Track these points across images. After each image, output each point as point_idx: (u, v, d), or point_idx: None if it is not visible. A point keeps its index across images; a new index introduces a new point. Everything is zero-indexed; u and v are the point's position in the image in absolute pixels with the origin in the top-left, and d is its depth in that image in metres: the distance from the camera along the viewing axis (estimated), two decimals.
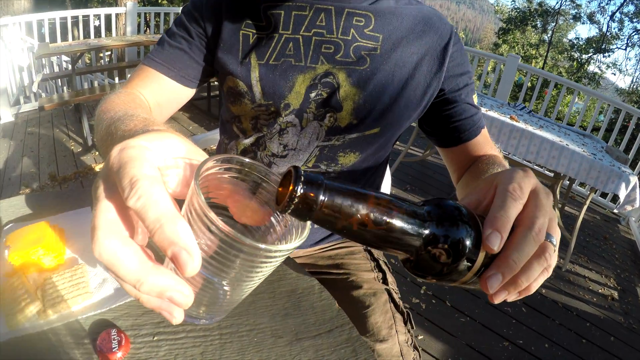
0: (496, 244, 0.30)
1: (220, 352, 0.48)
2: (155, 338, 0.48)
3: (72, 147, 3.29)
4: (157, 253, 0.27)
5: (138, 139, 0.28)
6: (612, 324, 2.07)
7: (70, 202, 0.71)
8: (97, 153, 3.18)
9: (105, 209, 0.25)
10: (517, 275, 0.32)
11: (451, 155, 0.75)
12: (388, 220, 0.29)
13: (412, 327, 0.76)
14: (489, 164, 0.66)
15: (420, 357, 0.73)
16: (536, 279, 0.33)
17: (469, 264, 0.31)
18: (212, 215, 0.24)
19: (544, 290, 2.18)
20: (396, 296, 0.78)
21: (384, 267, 0.84)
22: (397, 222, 0.29)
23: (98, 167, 2.97)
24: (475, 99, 0.73)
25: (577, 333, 1.94)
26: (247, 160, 0.31)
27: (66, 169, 2.97)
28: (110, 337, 0.47)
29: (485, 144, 0.72)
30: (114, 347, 0.46)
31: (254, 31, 0.66)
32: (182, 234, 0.23)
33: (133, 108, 0.50)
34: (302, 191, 0.26)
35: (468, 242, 0.31)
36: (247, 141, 0.73)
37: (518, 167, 0.38)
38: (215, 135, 1.75)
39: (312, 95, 0.65)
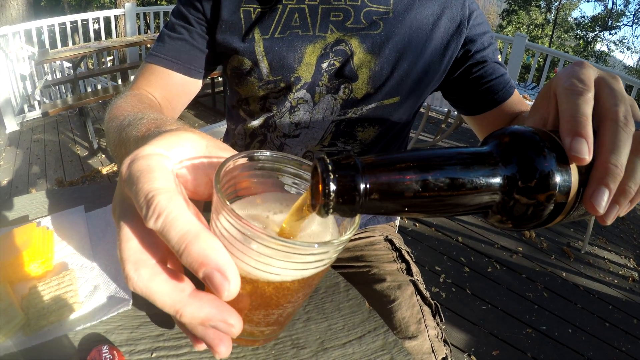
0: (584, 150, 0.25)
1: None
2: (154, 355, 0.40)
3: (78, 152, 3.27)
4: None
5: (150, 146, 0.25)
6: (635, 306, 2.01)
7: (64, 202, 0.64)
8: (103, 156, 3.15)
9: (128, 237, 0.23)
10: (623, 182, 0.26)
11: (485, 122, 0.69)
12: (451, 181, 0.23)
13: (442, 320, 0.69)
14: None
15: (451, 352, 0.67)
16: None
17: (563, 191, 0.25)
18: (243, 221, 0.21)
19: (564, 274, 2.13)
20: (422, 287, 0.72)
21: (407, 257, 0.78)
22: (463, 180, 0.23)
23: (105, 170, 2.94)
24: (500, 59, 0.68)
25: (599, 316, 1.89)
26: (274, 153, 0.28)
27: (73, 173, 2.94)
28: (101, 355, 0.40)
29: (520, 103, 0.67)
30: None
31: (256, 6, 0.62)
32: (211, 252, 0.20)
33: (142, 110, 0.47)
34: (335, 186, 0.21)
35: (553, 167, 0.25)
36: (255, 123, 0.69)
37: (571, 64, 0.32)
38: (220, 127, 1.68)
39: (324, 65, 0.62)
